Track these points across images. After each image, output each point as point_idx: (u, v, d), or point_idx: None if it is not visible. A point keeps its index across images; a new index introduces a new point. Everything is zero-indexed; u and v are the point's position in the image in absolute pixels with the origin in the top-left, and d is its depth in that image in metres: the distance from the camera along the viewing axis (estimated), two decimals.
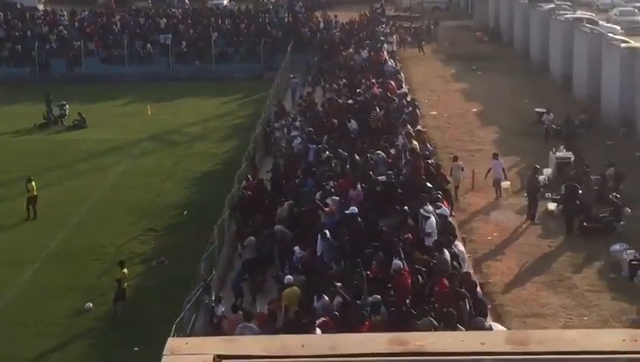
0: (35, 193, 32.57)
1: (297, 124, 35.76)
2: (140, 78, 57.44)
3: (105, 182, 37.13)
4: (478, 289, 20.16)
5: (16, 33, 63.43)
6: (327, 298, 19.23)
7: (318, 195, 25.36)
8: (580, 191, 28.39)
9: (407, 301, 18.90)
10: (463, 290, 18.56)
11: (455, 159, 32.10)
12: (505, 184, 31.61)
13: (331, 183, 26.24)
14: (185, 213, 33.22)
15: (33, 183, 32.61)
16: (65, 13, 69.10)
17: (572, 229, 27.81)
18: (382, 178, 25.97)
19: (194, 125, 47.04)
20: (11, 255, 29.33)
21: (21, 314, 25.26)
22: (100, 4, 79.49)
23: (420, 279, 19.70)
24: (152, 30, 64.24)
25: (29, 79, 57.40)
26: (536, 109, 41.11)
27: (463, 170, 31.79)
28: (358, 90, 38.83)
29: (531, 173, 29.68)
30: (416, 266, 20.19)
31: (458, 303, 18.10)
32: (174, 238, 30.68)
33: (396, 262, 19.79)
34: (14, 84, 55.23)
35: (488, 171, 31.70)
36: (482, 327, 16.66)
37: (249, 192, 28.25)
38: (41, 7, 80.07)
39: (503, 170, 31.38)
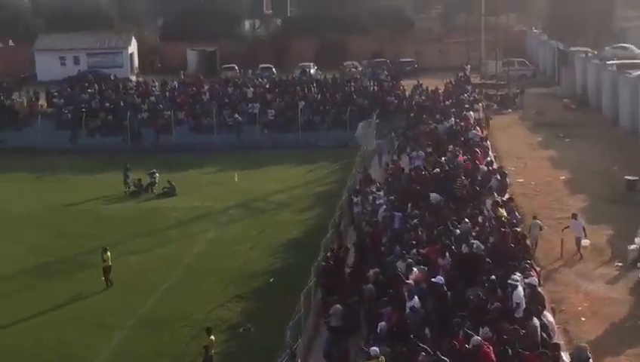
0: (110, 263, 33.02)
1: (382, 192, 35.85)
2: (228, 147, 58.61)
3: (193, 250, 37.67)
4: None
5: (110, 104, 65.36)
6: None
7: (399, 265, 25.38)
8: None
9: None
10: None
11: (534, 217, 32.24)
12: (585, 242, 31.36)
13: (416, 252, 26.24)
14: (271, 280, 33.43)
15: (108, 253, 33.13)
16: (156, 83, 71.03)
17: None
18: (469, 247, 25.85)
19: (280, 193, 47.56)
20: (101, 319, 29.84)
21: None
22: (190, 75, 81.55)
23: (509, 350, 19.36)
24: (240, 100, 65.49)
25: (121, 148, 58.96)
26: (627, 177, 40.43)
27: (541, 229, 31.73)
28: (443, 158, 38.82)
29: None
30: (505, 337, 19.89)
31: None
32: (261, 305, 30.89)
33: (475, 338, 19.53)
34: (107, 153, 56.80)
35: (566, 227, 31.81)
36: None
37: (331, 262, 28.35)
38: (133, 78, 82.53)
39: (583, 228, 31.22)
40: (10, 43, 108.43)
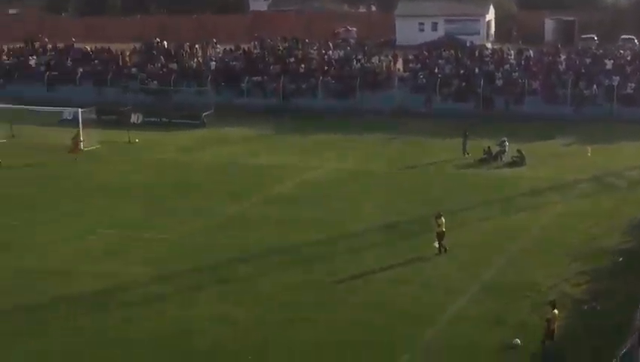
0: (444, 229, 32.90)
1: None
2: (582, 119, 57.10)
3: (540, 221, 37.12)
4: None
5: (464, 70, 65.85)
6: None
7: None
8: None
9: None
10: None
11: None
12: None
13: None
14: (620, 259, 32.13)
15: (443, 219, 33.02)
16: (512, 52, 70.43)
17: None
18: None
19: (635, 169, 45.54)
20: (444, 282, 30.23)
21: (450, 342, 25.82)
22: (547, 44, 79.99)
23: None
24: (598, 71, 63.21)
25: (472, 114, 59.41)
26: None
27: None
28: None
29: None
30: None
31: None
32: (608, 285, 29.75)
33: None
34: (458, 119, 57.38)
35: None
36: None
37: None
38: (489, 45, 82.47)
39: None
40: (373, 8, 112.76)
